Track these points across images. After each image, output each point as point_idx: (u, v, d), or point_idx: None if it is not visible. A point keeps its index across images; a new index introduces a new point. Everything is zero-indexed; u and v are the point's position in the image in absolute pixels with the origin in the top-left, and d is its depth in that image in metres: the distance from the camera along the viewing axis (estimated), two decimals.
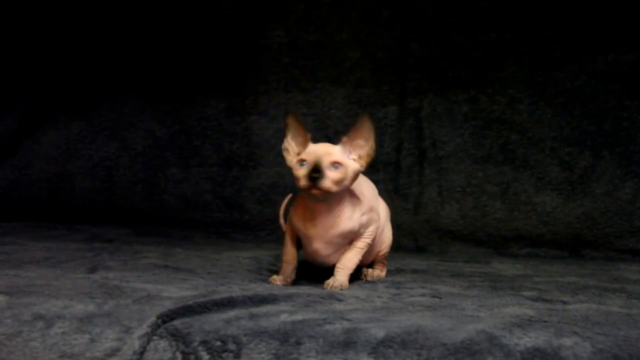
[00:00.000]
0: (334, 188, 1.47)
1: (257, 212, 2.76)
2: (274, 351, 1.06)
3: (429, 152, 2.65)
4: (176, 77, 2.92)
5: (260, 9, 2.85)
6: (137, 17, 2.94)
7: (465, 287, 1.62)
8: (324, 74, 2.76)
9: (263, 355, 1.06)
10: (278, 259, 1.66)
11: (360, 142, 1.53)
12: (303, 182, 1.47)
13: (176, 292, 1.35)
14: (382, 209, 1.73)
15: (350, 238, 1.57)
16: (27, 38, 3.02)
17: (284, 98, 2.76)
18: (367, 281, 1.69)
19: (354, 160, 1.52)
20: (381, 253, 1.74)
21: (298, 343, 1.07)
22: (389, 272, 1.81)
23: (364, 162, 1.53)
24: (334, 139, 2.68)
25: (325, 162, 1.47)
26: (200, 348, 1.09)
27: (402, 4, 2.71)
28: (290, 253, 1.61)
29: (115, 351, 1.10)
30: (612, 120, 2.50)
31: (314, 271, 1.66)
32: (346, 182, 1.50)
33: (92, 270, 1.64)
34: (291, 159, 1.55)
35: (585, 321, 1.19)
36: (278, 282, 1.57)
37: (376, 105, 2.71)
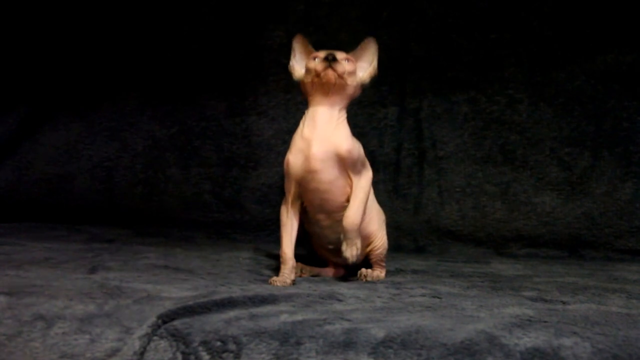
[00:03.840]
0: (346, 76, 1.58)
1: (257, 212, 2.76)
2: (274, 351, 1.06)
3: (429, 152, 2.65)
4: (176, 77, 2.92)
5: (260, 9, 2.85)
6: (137, 17, 2.94)
7: (465, 287, 1.62)
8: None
9: (263, 355, 1.06)
10: (278, 259, 1.66)
11: (364, 64, 1.67)
12: (319, 66, 1.57)
13: (176, 292, 1.35)
14: (378, 211, 1.76)
15: (344, 164, 1.59)
16: (27, 38, 3.02)
17: (284, 98, 2.77)
18: (367, 281, 1.69)
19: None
20: (376, 252, 1.74)
21: (298, 343, 1.07)
22: (388, 273, 1.81)
23: (367, 79, 1.67)
24: None
25: (339, 56, 1.60)
26: (200, 348, 1.09)
27: (402, 5, 2.71)
28: (287, 252, 1.62)
29: (115, 351, 1.10)
30: (612, 121, 2.51)
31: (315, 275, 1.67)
32: (354, 82, 1.62)
33: (92, 270, 1.64)
34: (297, 72, 1.67)
35: (585, 321, 1.19)
36: (278, 284, 1.57)
37: (376, 105, 2.71)
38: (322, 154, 1.58)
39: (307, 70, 1.61)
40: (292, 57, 1.69)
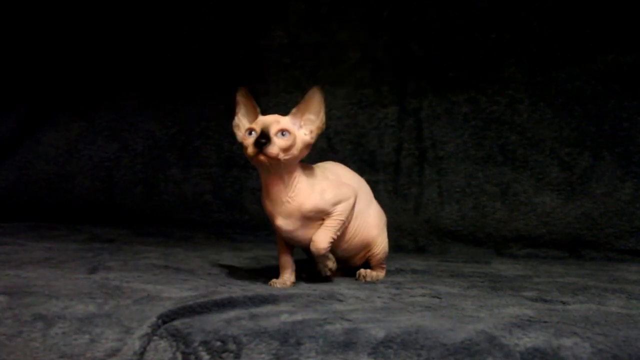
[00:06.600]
0: (282, 155, 1.46)
1: (257, 212, 2.76)
2: (274, 351, 1.06)
3: (429, 152, 2.65)
4: (176, 77, 2.92)
5: (261, 9, 2.85)
6: (137, 17, 2.95)
7: (465, 287, 1.62)
8: (324, 75, 2.76)
9: (263, 355, 1.06)
10: (278, 258, 1.66)
11: (311, 116, 1.53)
12: (250, 150, 1.46)
13: (176, 292, 1.35)
14: (378, 215, 1.74)
15: (317, 215, 1.55)
16: (26, 38, 3.02)
17: (285, 99, 2.76)
18: (366, 282, 1.69)
19: (304, 133, 1.52)
20: (376, 257, 1.73)
21: (298, 343, 1.07)
22: (388, 273, 1.81)
23: (314, 135, 1.53)
24: (334, 139, 2.73)
25: (273, 130, 1.47)
26: (200, 348, 1.09)
27: (402, 4, 2.72)
28: (284, 257, 1.62)
29: (115, 351, 1.10)
30: (612, 121, 2.50)
31: (314, 272, 1.66)
32: (294, 152, 1.49)
33: (93, 270, 1.64)
34: (241, 134, 1.54)
35: (585, 321, 1.19)
36: (278, 286, 1.56)
37: (376, 105, 2.72)
38: (287, 224, 1.54)
39: (244, 147, 1.50)
40: (236, 114, 1.57)
